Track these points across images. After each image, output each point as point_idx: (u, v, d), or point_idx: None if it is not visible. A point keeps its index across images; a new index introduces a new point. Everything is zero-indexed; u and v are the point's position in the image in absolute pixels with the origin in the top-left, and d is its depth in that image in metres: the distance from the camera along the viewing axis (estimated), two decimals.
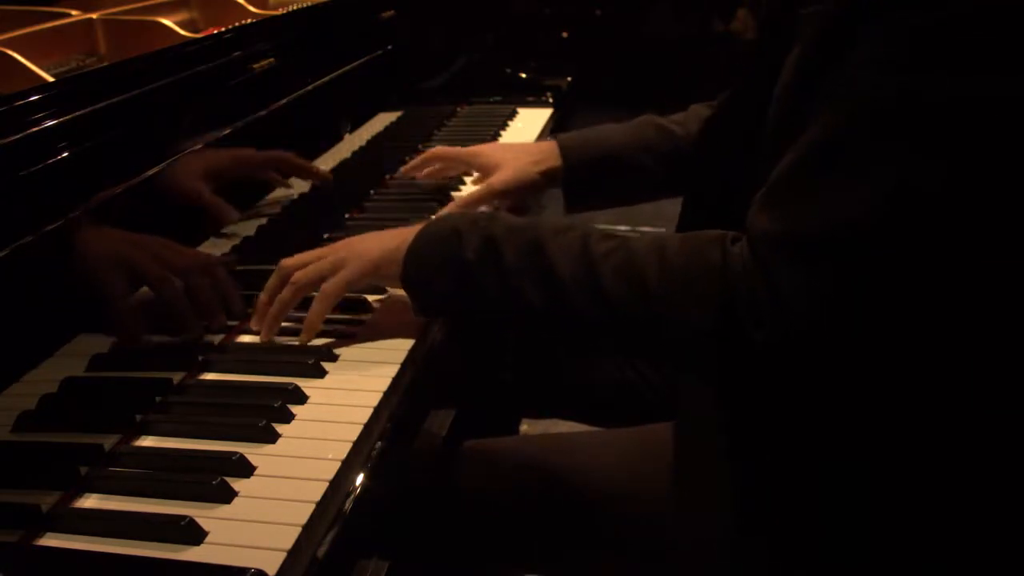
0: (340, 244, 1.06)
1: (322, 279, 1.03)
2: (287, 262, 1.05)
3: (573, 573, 1.16)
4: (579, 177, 1.36)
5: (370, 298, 1.12)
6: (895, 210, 0.78)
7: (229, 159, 1.23)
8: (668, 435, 1.11)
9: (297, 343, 1.03)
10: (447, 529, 1.12)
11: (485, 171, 1.38)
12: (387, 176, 1.57)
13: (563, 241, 0.91)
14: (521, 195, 1.37)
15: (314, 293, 1.03)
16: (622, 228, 0.97)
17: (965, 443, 0.89)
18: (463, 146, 1.52)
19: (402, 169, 1.49)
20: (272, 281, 1.05)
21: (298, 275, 1.03)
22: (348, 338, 1.05)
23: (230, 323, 1.07)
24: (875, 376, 0.86)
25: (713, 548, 1.01)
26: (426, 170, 1.47)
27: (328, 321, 1.05)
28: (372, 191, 1.51)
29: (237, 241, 1.23)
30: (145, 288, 1.03)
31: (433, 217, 1.03)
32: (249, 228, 1.27)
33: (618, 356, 1.15)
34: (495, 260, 0.93)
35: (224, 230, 1.23)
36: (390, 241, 1.02)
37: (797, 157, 0.82)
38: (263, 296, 1.05)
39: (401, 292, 1.05)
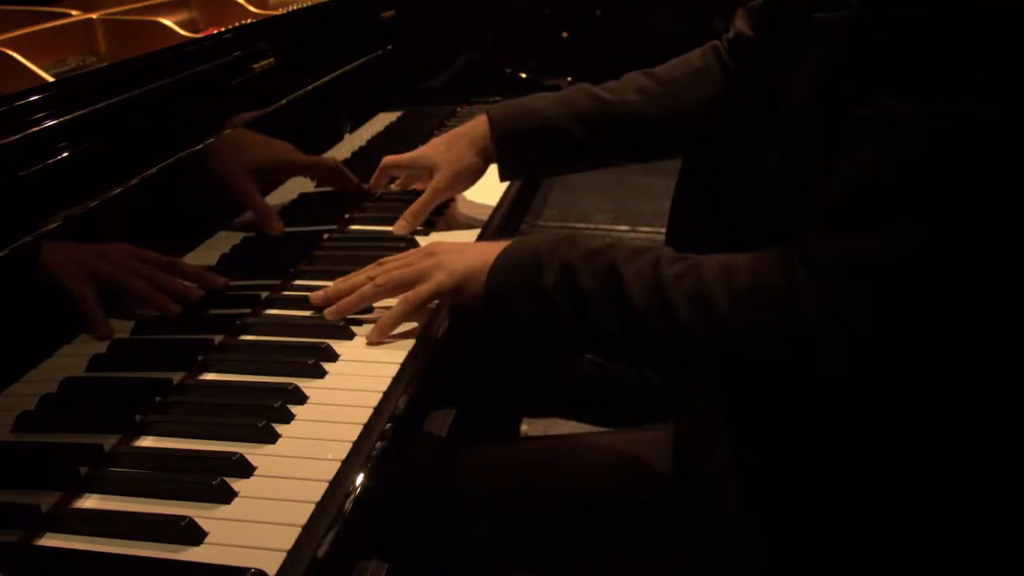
0: (426, 250, 1.09)
1: (405, 285, 1.06)
2: (383, 261, 1.10)
3: (573, 575, 1.16)
4: (510, 149, 1.35)
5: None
6: (953, 231, 0.79)
7: (280, 159, 1.30)
8: (669, 437, 1.11)
9: (366, 340, 1.05)
10: (446, 530, 1.12)
11: (429, 174, 1.37)
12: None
13: (636, 266, 0.92)
14: (465, 184, 1.38)
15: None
16: (621, 228, 0.97)
17: (974, 446, 0.89)
18: None
19: (367, 185, 1.45)
20: (366, 272, 1.10)
21: (383, 278, 1.07)
22: (348, 337, 1.05)
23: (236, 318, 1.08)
24: (913, 388, 0.86)
25: (713, 549, 1.01)
26: (396, 183, 1.46)
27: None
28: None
29: (237, 240, 1.23)
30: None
31: (514, 240, 1.04)
32: (249, 228, 1.26)
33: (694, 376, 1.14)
34: (572, 287, 0.94)
35: (224, 229, 1.22)
36: (475, 260, 1.03)
37: (848, 181, 0.83)
38: (345, 282, 1.10)
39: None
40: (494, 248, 1.02)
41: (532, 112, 1.34)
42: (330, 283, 1.12)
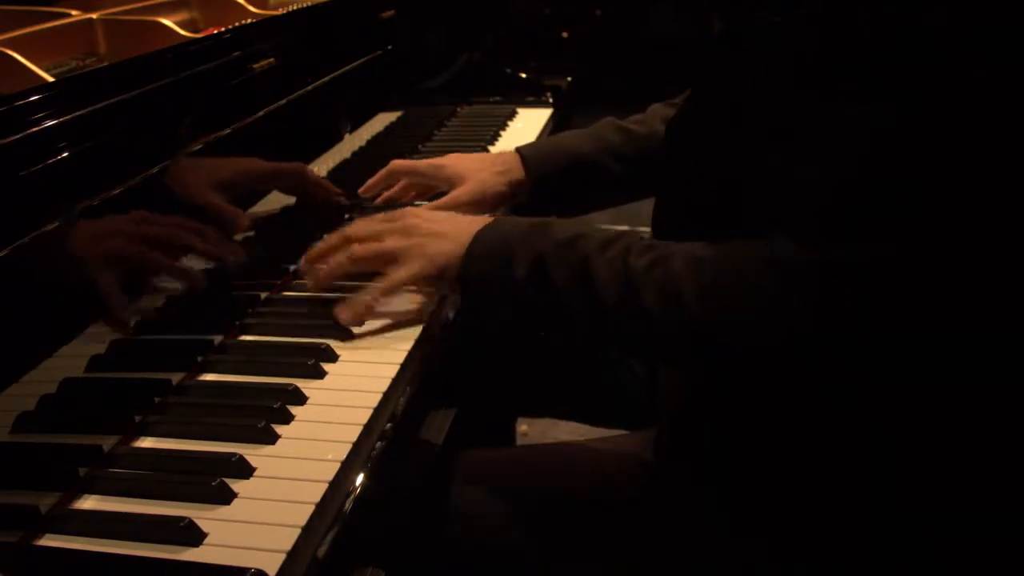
0: (402, 225, 1.07)
1: (379, 263, 1.06)
2: (350, 230, 1.09)
3: None
4: (545, 188, 1.35)
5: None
6: (924, 230, 0.80)
7: (238, 171, 1.24)
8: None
9: (341, 320, 1.06)
10: (444, 534, 1.12)
11: (450, 184, 1.35)
12: None
13: (607, 257, 0.92)
14: (487, 207, 1.34)
15: None
16: (621, 228, 0.98)
17: (967, 441, 0.90)
18: (462, 146, 1.52)
19: (361, 190, 1.41)
20: (334, 239, 1.09)
21: (359, 250, 1.06)
22: (348, 338, 1.05)
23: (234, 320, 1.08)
24: (895, 378, 0.88)
25: (711, 549, 1.01)
26: (394, 188, 1.41)
27: (330, 316, 1.06)
28: None
29: (237, 240, 1.22)
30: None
31: (488, 224, 1.03)
32: (249, 228, 1.26)
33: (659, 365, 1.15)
34: (544, 280, 0.94)
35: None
36: (452, 246, 1.02)
37: (809, 185, 0.84)
38: (320, 246, 1.10)
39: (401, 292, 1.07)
40: (470, 229, 1.02)
41: (565, 150, 1.35)
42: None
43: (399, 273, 1.04)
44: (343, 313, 1.05)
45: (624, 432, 1.24)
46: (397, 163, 1.38)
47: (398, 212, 1.11)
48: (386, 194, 1.41)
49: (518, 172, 1.35)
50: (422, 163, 1.38)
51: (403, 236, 1.06)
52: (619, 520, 1.06)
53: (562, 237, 0.96)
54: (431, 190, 1.39)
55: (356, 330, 1.06)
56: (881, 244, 0.81)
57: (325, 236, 1.13)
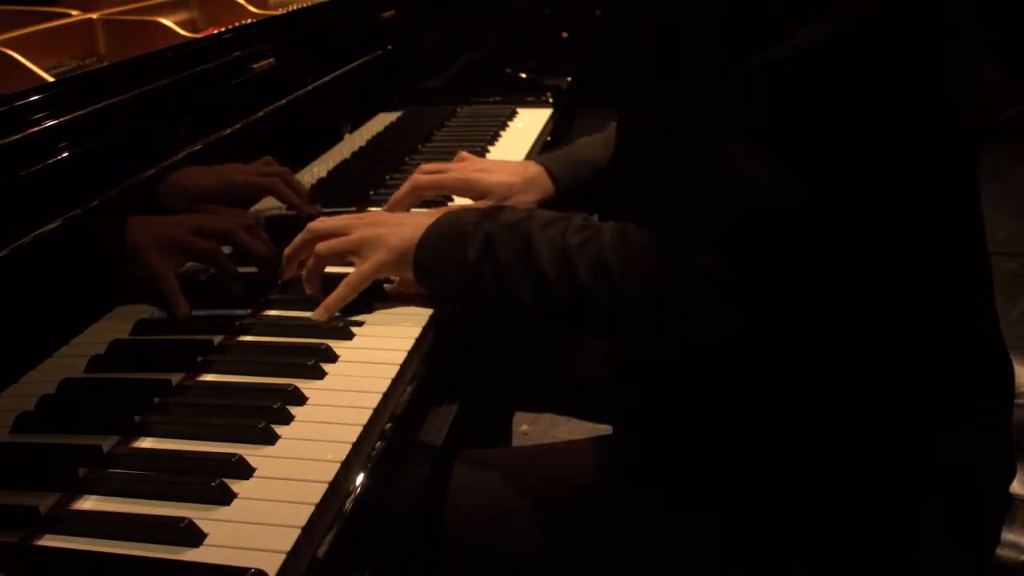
0: (367, 219, 1.11)
1: (343, 255, 1.09)
2: (314, 226, 1.11)
3: None
4: (576, 200, 1.36)
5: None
6: (800, 187, 0.82)
7: (217, 185, 1.22)
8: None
9: (313, 319, 1.08)
10: (443, 535, 1.12)
11: (479, 198, 1.34)
12: (387, 176, 1.56)
13: (549, 235, 0.96)
14: None
15: None
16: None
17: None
18: (462, 147, 1.52)
19: (386, 208, 1.34)
20: (299, 240, 1.12)
21: (322, 247, 1.09)
22: (348, 338, 1.05)
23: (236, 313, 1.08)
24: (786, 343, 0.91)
25: (709, 547, 1.02)
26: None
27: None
28: (372, 191, 1.50)
29: None
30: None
31: (444, 213, 1.07)
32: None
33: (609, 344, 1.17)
34: (492, 259, 0.98)
35: None
36: (410, 233, 1.06)
37: (701, 159, 0.87)
38: (288, 251, 1.13)
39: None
40: (429, 220, 1.06)
41: (586, 160, 1.37)
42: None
43: (363, 266, 1.07)
44: (317, 315, 1.07)
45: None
46: (422, 179, 1.31)
47: (359, 215, 1.15)
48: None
49: (547, 187, 1.36)
50: (449, 179, 1.34)
51: (366, 227, 1.09)
52: (614, 521, 1.06)
53: (510, 219, 1.00)
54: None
55: (356, 330, 1.06)
56: (789, 193, 0.83)
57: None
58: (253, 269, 1.16)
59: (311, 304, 1.11)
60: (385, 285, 1.16)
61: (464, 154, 1.42)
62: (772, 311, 0.87)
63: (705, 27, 0.86)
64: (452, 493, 1.11)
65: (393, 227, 1.08)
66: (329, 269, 1.11)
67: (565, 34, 5.07)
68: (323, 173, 1.48)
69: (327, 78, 1.47)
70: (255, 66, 1.26)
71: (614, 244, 0.93)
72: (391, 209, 1.31)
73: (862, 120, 0.82)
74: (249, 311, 1.11)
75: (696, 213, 0.87)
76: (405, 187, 1.31)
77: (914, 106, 0.85)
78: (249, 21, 1.44)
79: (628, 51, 1.06)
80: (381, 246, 1.07)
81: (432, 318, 1.09)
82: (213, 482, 0.80)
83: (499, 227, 0.99)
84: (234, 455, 0.83)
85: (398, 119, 1.80)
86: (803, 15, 0.80)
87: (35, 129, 0.88)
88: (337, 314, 1.08)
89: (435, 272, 1.04)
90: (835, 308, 0.89)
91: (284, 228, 1.23)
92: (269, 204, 1.34)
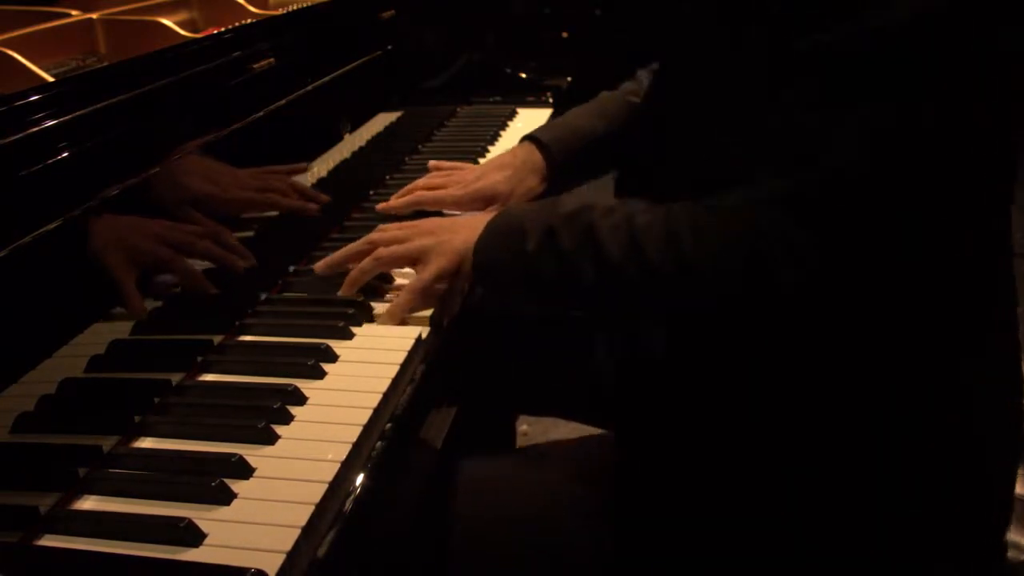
0: (426, 227, 1.13)
1: (404, 262, 1.11)
2: (374, 236, 1.14)
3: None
4: (570, 171, 1.40)
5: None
6: (882, 158, 0.84)
7: (214, 194, 1.18)
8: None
9: (378, 323, 1.09)
10: (444, 533, 1.13)
11: (486, 205, 1.35)
12: (387, 176, 1.56)
13: (612, 221, 0.97)
14: None
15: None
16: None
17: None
18: (462, 147, 1.52)
19: (380, 207, 1.36)
20: (357, 245, 1.14)
21: (383, 252, 1.11)
22: (348, 338, 1.05)
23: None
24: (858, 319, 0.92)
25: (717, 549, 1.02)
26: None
27: (329, 316, 1.06)
28: (372, 191, 1.50)
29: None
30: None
31: (500, 211, 1.08)
32: (249, 227, 1.26)
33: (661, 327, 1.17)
34: (554, 247, 0.99)
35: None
36: (470, 235, 1.07)
37: (778, 126, 0.88)
38: (342, 252, 1.14)
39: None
40: (485, 219, 1.07)
41: (578, 130, 1.39)
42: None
43: (426, 272, 1.08)
44: (382, 321, 1.09)
45: None
46: (424, 196, 1.35)
47: (419, 221, 1.16)
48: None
49: (544, 164, 1.38)
50: (449, 197, 1.34)
51: (426, 236, 1.10)
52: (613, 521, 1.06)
53: (569, 210, 1.01)
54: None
55: (356, 330, 1.06)
56: (868, 166, 0.84)
57: (331, 237, 1.13)
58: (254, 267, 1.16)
59: (310, 304, 1.11)
60: (384, 285, 1.17)
61: (443, 168, 1.42)
62: (845, 281, 0.88)
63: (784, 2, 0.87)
64: (457, 497, 1.11)
65: (451, 233, 1.10)
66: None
67: (565, 34, 5.06)
68: (323, 173, 1.48)
69: (327, 78, 1.47)
70: (255, 66, 1.26)
71: (684, 221, 0.93)
72: (386, 211, 1.35)
73: (945, 96, 0.84)
74: (249, 311, 1.11)
75: (771, 181, 0.88)
76: (409, 199, 1.34)
77: (987, 86, 0.86)
78: (249, 21, 1.43)
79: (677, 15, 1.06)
80: (442, 253, 1.08)
81: (432, 318, 1.10)
82: (213, 482, 0.80)
83: (558, 218, 1.00)
84: (234, 455, 0.83)
85: (398, 119, 1.79)
86: None
87: (35, 129, 0.88)
88: (337, 315, 1.08)
89: (495, 268, 1.05)
90: (886, 286, 0.91)
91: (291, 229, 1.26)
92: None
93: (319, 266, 1.16)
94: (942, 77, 0.83)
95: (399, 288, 1.15)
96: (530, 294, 1.05)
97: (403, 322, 1.09)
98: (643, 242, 0.93)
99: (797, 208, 0.86)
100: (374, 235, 1.14)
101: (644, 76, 1.41)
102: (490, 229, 1.05)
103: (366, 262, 1.12)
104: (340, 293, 1.12)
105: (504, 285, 1.06)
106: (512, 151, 1.41)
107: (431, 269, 1.08)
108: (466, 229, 1.09)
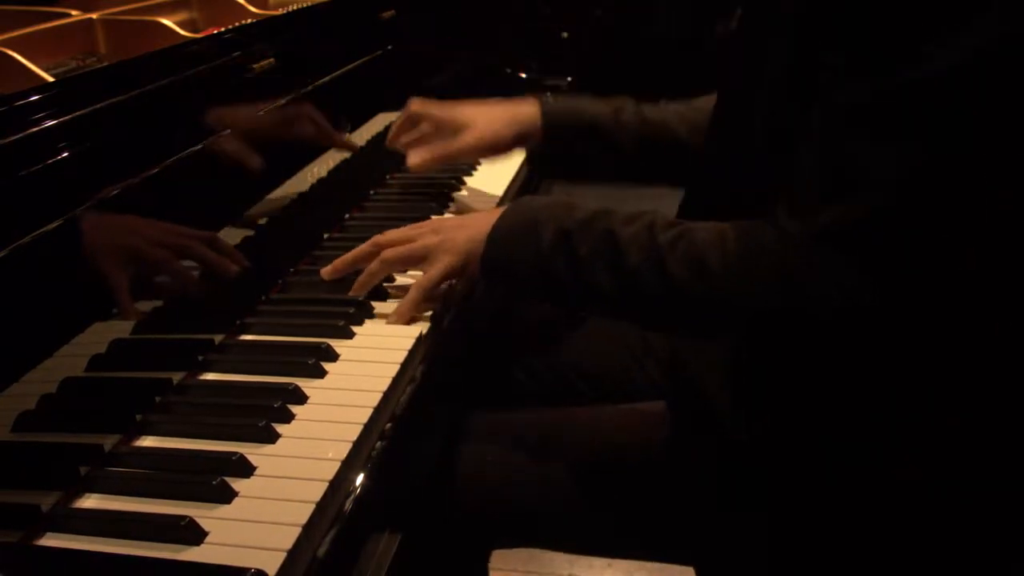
0: (431, 227, 1.13)
1: (411, 262, 1.11)
2: (379, 238, 1.13)
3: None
4: (558, 143, 1.37)
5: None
6: (921, 190, 0.82)
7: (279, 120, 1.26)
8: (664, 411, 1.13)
9: (386, 322, 1.09)
10: (446, 523, 1.13)
11: (454, 133, 1.37)
12: (387, 176, 1.56)
13: (632, 230, 0.96)
14: (489, 155, 1.39)
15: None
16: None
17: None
18: None
19: (389, 138, 1.46)
20: (363, 248, 1.14)
21: (389, 253, 1.11)
22: (348, 337, 1.05)
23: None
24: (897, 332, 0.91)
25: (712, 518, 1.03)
26: (406, 138, 1.44)
27: (330, 315, 1.06)
28: (372, 191, 1.51)
29: (237, 240, 1.22)
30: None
31: (509, 207, 1.07)
32: (249, 227, 1.26)
33: (676, 338, 1.17)
34: (570, 253, 0.98)
35: (225, 230, 1.22)
36: (476, 234, 1.06)
37: (816, 158, 0.86)
38: (348, 256, 1.14)
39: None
40: (493, 217, 1.05)
41: (583, 112, 1.36)
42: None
43: (433, 270, 1.08)
44: (391, 321, 1.09)
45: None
46: (417, 103, 1.43)
47: (425, 222, 1.16)
48: (408, 140, 1.43)
49: (531, 126, 1.36)
50: (438, 106, 1.41)
51: (431, 235, 1.10)
52: (628, 484, 1.07)
53: (586, 214, 1.00)
54: (445, 137, 1.40)
55: (356, 330, 1.06)
56: (880, 204, 0.83)
57: (331, 237, 1.13)
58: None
59: (310, 303, 1.11)
60: (385, 285, 1.17)
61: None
62: (891, 306, 0.87)
63: (837, 36, 0.86)
64: (463, 452, 1.13)
65: (456, 232, 1.10)
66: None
67: (565, 34, 5.06)
68: (323, 173, 1.48)
69: (327, 78, 1.47)
70: (255, 66, 1.26)
71: (710, 241, 0.92)
72: (394, 140, 1.43)
73: (995, 129, 0.83)
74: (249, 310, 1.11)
75: (816, 210, 0.87)
76: (404, 114, 1.41)
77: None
78: (249, 21, 1.44)
79: (732, 44, 1.05)
80: (448, 251, 1.08)
81: (433, 317, 1.10)
82: (214, 480, 0.80)
83: (575, 222, 0.99)
84: (235, 454, 0.84)
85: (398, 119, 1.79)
86: (940, 32, 0.80)
87: (35, 129, 0.88)
88: (337, 314, 1.08)
89: (506, 265, 1.03)
90: (932, 308, 0.90)
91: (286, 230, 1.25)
92: (272, 206, 1.34)
93: (326, 271, 1.16)
94: (983, 121, 0.82)
95: (400, 287, 1.16)
96: (542, 294, 1.04)
97: (411, 320, 1.09)
98: (667, 258, 0.92)
99: (842, 239, 0.85)
100: (379, 236, 1.14)
101: (673, 106, 1.39)
102: (501, 226, 1.04)
103: (374, 264, 1.12)
104: (353, 292, 1.12)
105: (516, 283, 1.05)
106: (518, 105, 1.40)
107: (438, 267, 1.08)
108: (471, 227, 1.08)
